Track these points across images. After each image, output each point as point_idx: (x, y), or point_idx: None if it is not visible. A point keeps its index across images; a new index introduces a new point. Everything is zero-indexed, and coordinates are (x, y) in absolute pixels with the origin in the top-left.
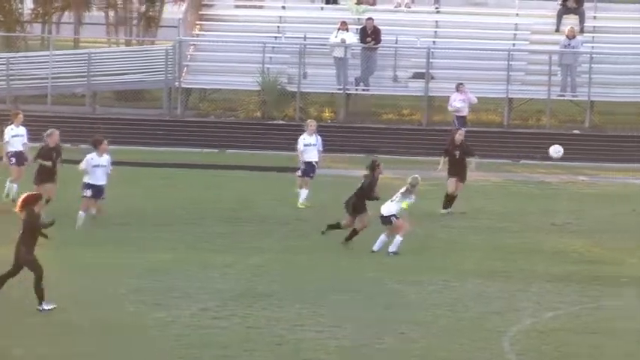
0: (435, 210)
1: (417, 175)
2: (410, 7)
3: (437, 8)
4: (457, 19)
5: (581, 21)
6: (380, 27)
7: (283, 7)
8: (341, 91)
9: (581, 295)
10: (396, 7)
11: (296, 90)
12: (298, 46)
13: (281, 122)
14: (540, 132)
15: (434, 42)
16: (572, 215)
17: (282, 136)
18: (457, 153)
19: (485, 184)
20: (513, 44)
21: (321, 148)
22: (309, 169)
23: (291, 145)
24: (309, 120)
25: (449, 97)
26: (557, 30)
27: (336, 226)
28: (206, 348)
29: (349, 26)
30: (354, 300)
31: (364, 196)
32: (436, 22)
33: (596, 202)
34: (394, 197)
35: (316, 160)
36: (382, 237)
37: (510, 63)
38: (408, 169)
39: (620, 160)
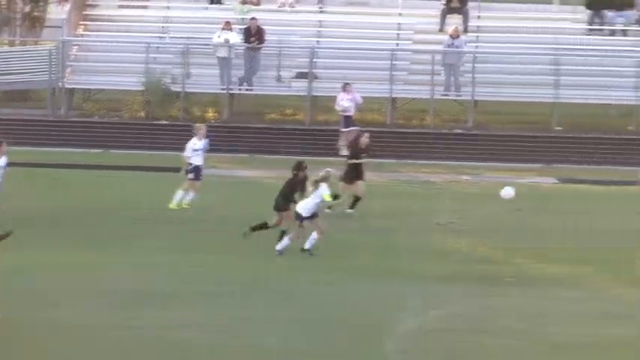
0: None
1: (329, 169)
2: (294, 7)
3: (320, 8)
4: (340, 19)
5: (465, 21)
6: (264, 27)
7: (167, 7)
8: (225, 91)
9: (466, 294)
10: (279, 7)
11: (180, 90)
12: (182, 46)
13: (165, 122)
14: (424, 132)
15: (317, 42)
16: (456, 215)
17: (166, 136)
18: (363, 157)
19: (371, 184)
20: (397, 44)
21: (207, 148)
22: (198, 172)
23: (175, 145)
24: (199, 124)
25: (333, 96)
26: (441, 30)
27: (263, 226)
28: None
29: (233, 26)
30: (244, 299)
31: (287, 196)
32: (320, 21)
33: (480, 201)
34: (309, 195)
35: (202, 163)
36: (285, 240)
37: (394, 63)
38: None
39: (504, 160)
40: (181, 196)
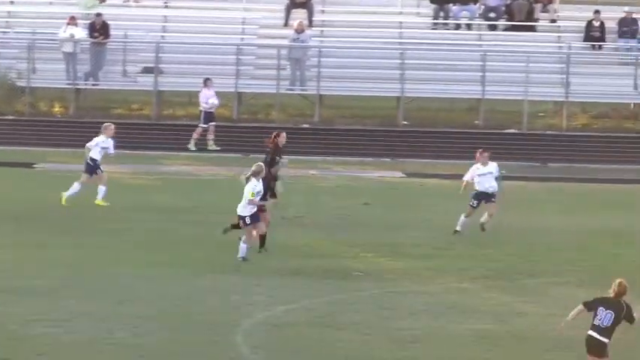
0: (160, 203)
1: (260, 163)
2: (138, 2)
3: (165, 3)
4: (186, 14)
5: (310, 15)
6: (109, 22)
7: (12, 2)
8: (71, 86)
9: (313, 288)
10: (124, 1)
11: (25, 85)
12: (27, 41)
13: (11, 117)
14: (269, 126)
15: (162, 37)
16: (303, 209)
17: (12, 131)
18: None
19: (216, 178)
20: (242, 39)
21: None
22: (95, 168)
23: (22, 140)
24: (107, 123)
25: (179, 91)
26: (286, 24)
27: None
28: None
29: (78, 21)
30: (88, 295)
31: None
32: (165, 17)
33: (327, 195)
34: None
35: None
36: (242, 245)
37: (239, 57)
38: (139, 164)
39: (351, 154)
40: (104, 192)
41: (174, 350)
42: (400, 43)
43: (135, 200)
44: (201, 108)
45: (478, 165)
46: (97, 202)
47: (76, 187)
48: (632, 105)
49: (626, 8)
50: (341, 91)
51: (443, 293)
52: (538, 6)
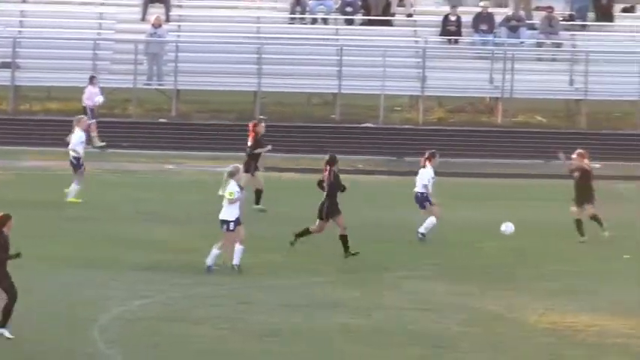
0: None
1: (236, 164)
2: None
3: None
4: (43, 9)
5: (167, 10)
6: None
7: None
8: None
9: (170, 283)
10: None
11: None
12: None
13: None
14: (127, 121)
15: (20, 32)
16: (159, 204)
17: None
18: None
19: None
20: (99, 33)
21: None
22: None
23: None
24: (80, 116)
25: (36, 87)
26: (143, 19)
27: (306, 232)
28: None
29: None
30: None
31: (335, 195)
32: (21, 11)
33: (183, 190)
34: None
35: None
36: (214, 251)
37: (96, 52)
38: None
39: (208, 149)
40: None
41: (32, 347)
42: (257, 38)
43: None
44: (85, 104)
45: None
46: (70, 199)
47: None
48: (487, 99)
49: (482, 3)
50: (198, 85)
51: (301, 288)
52: (394, 0)
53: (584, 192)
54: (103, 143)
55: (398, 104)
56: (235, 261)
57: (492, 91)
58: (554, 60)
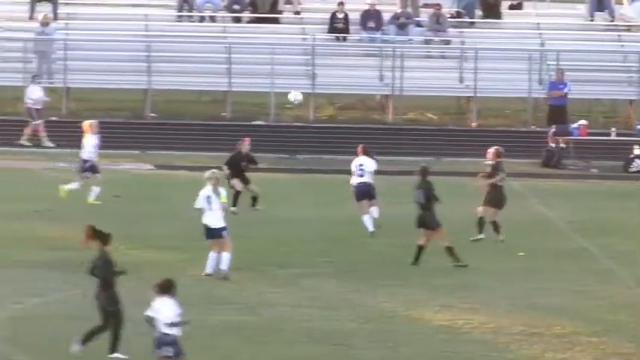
0: None
1: (213, 170)
2: None
3: None
4: None
5: (55, 8)
6: None
7: None
8: None
9: (66, 281)
10: None
11: None
12: None
13: None
14: (16, 119)
15: None
16: (52, 201)
17: None
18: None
19: None
20: None
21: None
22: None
23: None
24: (92, 121)
25: None
26: (31, 17)
27: (420, 251)
28: None
29: None
30: None
31: (432, 206)
32: None
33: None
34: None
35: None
36: (212, 254)
37: None
38: None
39: (101, 147)
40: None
41: None
42: (146, 36)
43: None
44: (27, 105)
45: None
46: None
47: (96, 190)
48: (377, 96)
49: (369, 0)
50: (88, 83)
51: (194, 285)
52: None
53: (493, 194)
54: (52, 145)
55: (288, 102)
56: (224, 266)
57: (382, 88)
58: (443, 57)
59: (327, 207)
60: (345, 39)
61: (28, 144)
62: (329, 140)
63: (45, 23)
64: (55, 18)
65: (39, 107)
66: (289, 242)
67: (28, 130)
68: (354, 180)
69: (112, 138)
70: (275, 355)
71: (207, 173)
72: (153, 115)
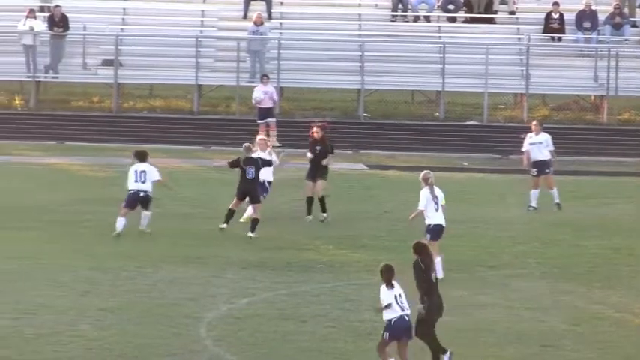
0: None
1: (428, 170)
2: None
3: None
4: (145, 7)
5: (269, 7)
6: (68, 14)
7: None
8: (31, 79)
9: (275, 281)
10: None
11: None
12: None
13: None
14: (229, 118)
15: (122, 29)
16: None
17: None
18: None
19: (177, 170)
20: (201, 31)
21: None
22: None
23: None
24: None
25: (138, 84)
26: (245, 16)
27: None
28: None
29: (37, 14)
30: (50, 287)
31: None
32: (124, 9)
33: (291, 189)
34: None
35: None
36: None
37: (199, 50)
38: (99, 157)
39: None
40: None
41: (138, 343)
42: (359, 36)
43: (90, 192)
44: (259, 105)
45: (531, 134)
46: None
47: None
48: (592, 97)
49: (585, 0)
50: (301, 83)
51: (405, 285)
52: None
53: None
54: (279, 145)
55: (502, 102)
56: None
57: (597, 88)
58: None
59: (538, 208)
60: (560, 39)
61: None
62: None
63: (258, 23)
64: (269, 17)
65: (268, 106)
66: (499, 243)
67: (271, 131)
68: None
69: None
70: (484, 356)
71: (424, 174)
72: (366, 114)
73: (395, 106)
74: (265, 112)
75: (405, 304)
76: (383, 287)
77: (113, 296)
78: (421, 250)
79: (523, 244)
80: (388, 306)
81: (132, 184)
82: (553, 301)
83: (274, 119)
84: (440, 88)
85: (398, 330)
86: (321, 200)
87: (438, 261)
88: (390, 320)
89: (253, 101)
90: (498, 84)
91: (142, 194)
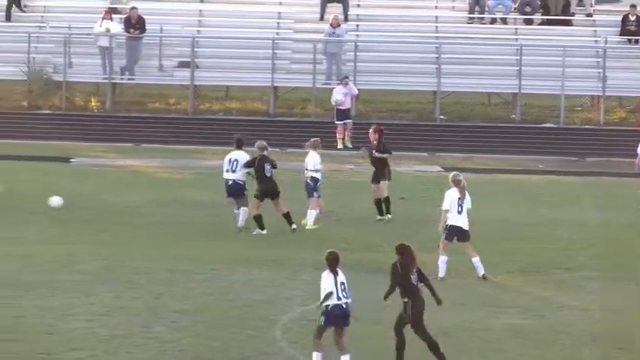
0: (190, 198)
1: (457, 172)
2: None
3: None
4: (221, 8)
5: (345, 9)
6: (144, 16)
7: None
8: (107, 81)
9: (353, 283)
10: None
11: (62, 79)
12: (63, 35)
13: (47, 112)
14: (305, 120)
15: (198, 31)
16: (338, 204)
17: (49, 126)
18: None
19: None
20: (277, 33)
21: None
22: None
23: (57, 135)
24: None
25: (214, 85)
26: (322, 18)
27: None
28: None
29: (113, 15)
30: (124, 289)
31: None
32: (200, 11)
33: (364, 190)
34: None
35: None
36: (475, 259)
37: (275, 52)
38: (175, 159)
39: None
40: None
41: (213, 346)
42: (436, 38)
43: (166, 194)
44: (337, 106)
45: None
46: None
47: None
48: None
49: None
50: (377, 85)
51: (478, 287)
52: (574, 0)
53: None
54: (350, 145)
55: (578, 104)
56: (481, 271)
57: None
58: None
59: (613, 210)
60: (637, 41)
61: (345, 146)
62: (618, 143)
63: (335, 24)
64: (346, 19)
65: (344, 108)
66: (575, 245)
67: (347, 132)
68: None
69: (399, 140)
70: (560, 358)
71: (453, 175)
72: (442, 117)
73: (471, 108)
74: (343, 114)
75: (347, 293)
76: (325, 273)
77: (187, 298)
78: (403, 251)
79: (598, 246)
80: (329, 294)
81: (224, 173)
82: (628, 303)
83: (351, 121)
84: (516, 91)
85: (333, 317)
86: (386, 201)
87: (476, 260)
88: (327, 306)
89: (333, 103)
90: (575, 86)
91: (230, 182)
